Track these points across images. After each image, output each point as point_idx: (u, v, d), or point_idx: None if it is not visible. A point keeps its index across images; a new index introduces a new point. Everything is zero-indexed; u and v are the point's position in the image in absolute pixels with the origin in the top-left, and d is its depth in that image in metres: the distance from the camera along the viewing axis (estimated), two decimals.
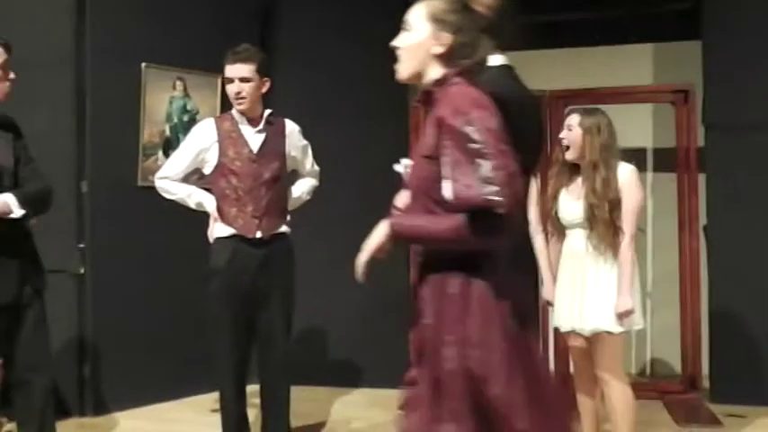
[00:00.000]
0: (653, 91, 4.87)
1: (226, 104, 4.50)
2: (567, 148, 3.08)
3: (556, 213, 3.15)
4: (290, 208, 3.40)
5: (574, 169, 3.12)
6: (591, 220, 3.01)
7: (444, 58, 1.87)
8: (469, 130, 1.70)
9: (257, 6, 5.00)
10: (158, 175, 3.35)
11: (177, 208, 3.92)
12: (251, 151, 3.22)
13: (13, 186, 2.78)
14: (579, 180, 3.08)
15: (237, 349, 3.24)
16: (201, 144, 3.24)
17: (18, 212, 2.73)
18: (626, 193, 3.01)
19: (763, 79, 4.31)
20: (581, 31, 5.47)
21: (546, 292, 3.25)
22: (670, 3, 5.35)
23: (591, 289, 3.05)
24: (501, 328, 1.77)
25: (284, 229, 3.31)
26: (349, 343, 4.93)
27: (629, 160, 3.16)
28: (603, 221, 2.98)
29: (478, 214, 1.68)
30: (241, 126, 3.24)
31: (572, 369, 3.40)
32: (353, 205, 4.85)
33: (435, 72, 1.88)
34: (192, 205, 3.30)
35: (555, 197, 3.16)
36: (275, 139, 3.30)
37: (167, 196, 3.32)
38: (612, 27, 5.45)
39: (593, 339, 3.06)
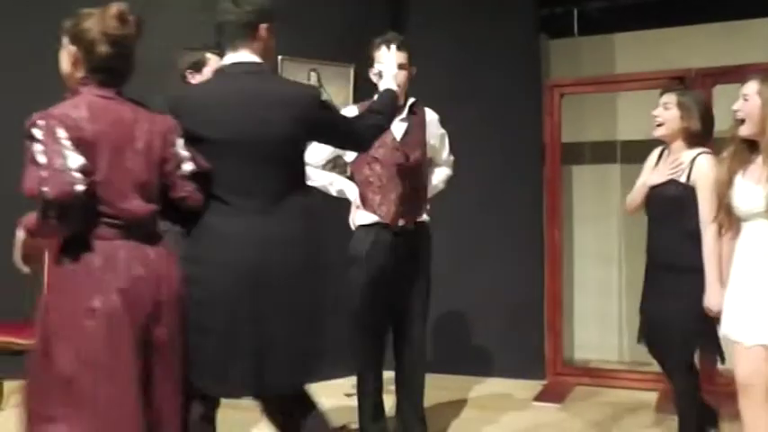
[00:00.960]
0: None
1: (358, 94, 4.60)
2: (743, 121, 2.59)
3: (730, 202, 2.64)
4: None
5: (753, 148, 2.59)
6: None
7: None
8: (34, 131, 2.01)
9: None
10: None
11: (317, 195, 4.01)
12: (394, 139, 3.23)
13: None
14: (759, 160, 2.55)
15: (376, 336, 3.28)
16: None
17: None
18: None
19: None
20: (726, 3, 5.20)
21: (708, 298, 2.84)
22: None
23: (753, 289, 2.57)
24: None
25: (425, 217, 3.32)
26: (483, 332, 4.90)
27: None
28: None
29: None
30: None
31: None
32: (484, 191, 4.83)
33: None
34: (334, 192, 3.34)
35: (729, 182, 2.63)
36: (417, 127, 3.29)
37: (311, 183, 3.38)
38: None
39: None
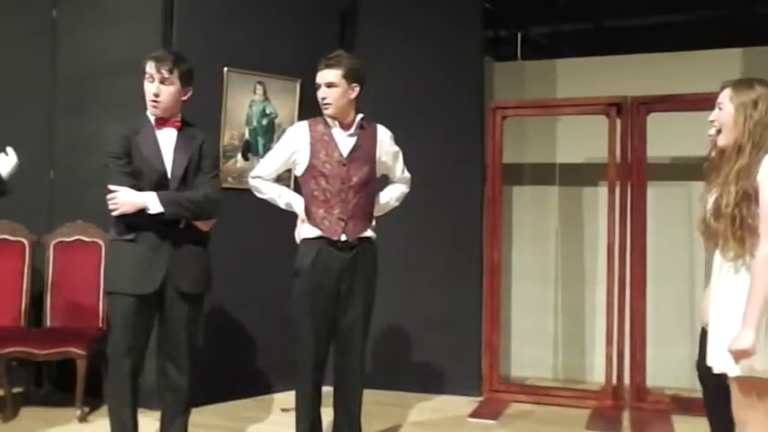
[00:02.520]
0: None
1: (304, 108, 4.61)
2: (719, 132, 2.47)
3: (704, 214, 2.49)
4: (378, 213, 3.42)
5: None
6: (715, 215, 2.36)
7: None
8: None
9: (336, 12, 5.07)
10: (252, 174, 3.43)
11: (260, 208, 4.00)
12: (341, 155, 3.26)
13: (181, 189, 3.10)
14: None
15: (317, 350, 3.27)
16: (295, 146, 3.29)
17: (155, 210, 3.01)
18: (763, 190, 2.29)
19: None
20: (665, 34, 5.45)
21: (701, 313, 2.76)
22: (759, 6, 5.22)
23: (716, 312, 2.42)
24: None
25: (370, 233, 3.33)
26: (422, 349, 4.94)
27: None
28: (727, 217, 2.31)
29: None
30: (333, 130, 3.28)
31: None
32: (425, 210, 4.89)
33: None
34: (282, 205, 3.37)
35: (706, 194, 2.50)
36: (366, 143, 3.32)
37: (259, 195, 3.40)
38: (698, 31, 5.40)
39: (733, 382, 2.39)
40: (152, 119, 3.15)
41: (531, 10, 5.62)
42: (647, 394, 4.63)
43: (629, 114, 4.70)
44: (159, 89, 3.07)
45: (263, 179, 3.37)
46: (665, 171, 5.06)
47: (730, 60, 5.09)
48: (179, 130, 3.16)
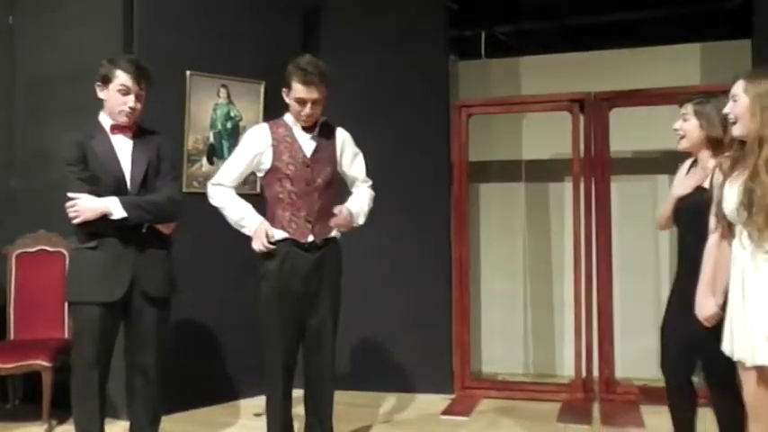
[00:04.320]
0: (702, 91, 4.78)
1: (268, 111, 4.59)
2: (734, 122, 2.49)
3: (720, 206, 2.53)
4: (360, 221, 3.38)
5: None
6: (748, 207, 2.35)
7: None
8: None
9: (299, 13, 5.05)
10: (213, 181, 3.36)
11: (221, 214, 3.95)
12: (305, 156, 3.26)
13: (142, 193, 3.08)
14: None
15: (287, 353, 3.25)
16: (257, 148, 3.26)
17: (118, 214, 2.99)
18: None
19: None
20: (626, 31, 5.52)
21: (698, 306, 2.67)
22: (718, 1, 5.32)
23: (750, 303, 2.39)
24: None
25: (335, 234, 3.33)
26: (393, 348, 4.94)
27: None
28: (765, 208, 2.31)
29: None
30: (295, 132, 3.28)
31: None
32: (393, 208, 4.90)
33: None
34: (232, 220, 3.30)
35: (722, 186, 2.53)
36: (328, 145, 3.33)
37: (213, 203, 3.34)
38: (659, 27, 5.49)
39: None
40: (106, 124, 3.11)
41: (495, 9, 5.65)
42: (615, 386, 4.69)
43: (592, 110, 4.77)
44: (136, 103, 3.08)
45: (224, 187, 3.31)
46: (629, 165, 5.14)
47: (689, 56, 5.19)
48: (134, 134, 3.14)
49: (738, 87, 2.47)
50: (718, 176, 2.71)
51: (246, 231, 3.27)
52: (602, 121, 4.75)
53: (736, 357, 2.45)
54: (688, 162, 3.08)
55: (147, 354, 3.13)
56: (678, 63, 5.15)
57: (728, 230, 2.53)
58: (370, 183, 3.54)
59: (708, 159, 2.91)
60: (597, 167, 4.77)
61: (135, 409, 3.19)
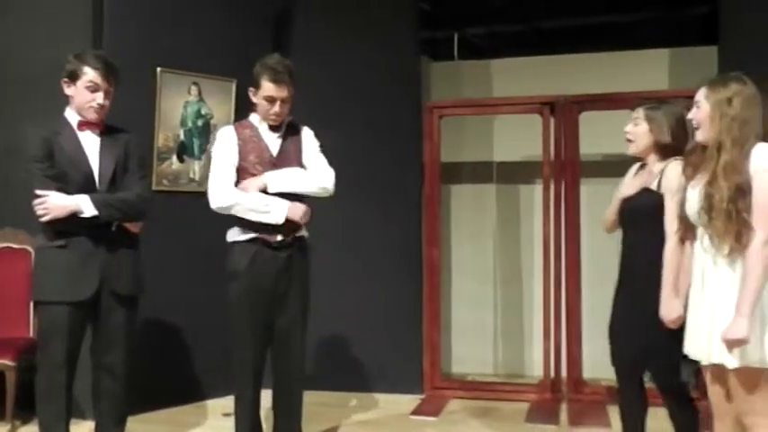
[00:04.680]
0: (670, 96, 4.86)
1: (240, 109, 4.56)
2: (698, 128, 2.53)
3: (682, 209, 2.57)
4: (273, 186, 3.23)
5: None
6: (707, 212, 2.40)
7: None
8: None
9: (271, 12, 5.03)
10: (214, 185, 3.19)
11: (195, 211, 3.92)
12: (272, 155, 3.25)
13: (111, 191, 3.04)
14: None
15: (256, 353, 3.24)
16: (231, 146, 3.24)
17: (89, 213, 2.95)
18: (757, 182, 2.34)
19: None
20: (596, 35, 5.58)
21: (663, 309, 2.71)
22: (687, 8, 5.41)
23: (711, 306, 2.43)
24: None
25: (303, 232, 3.32)
26: (363, 348, 4.94)
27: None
28: (723, 213, 2.35)
29: None
30: (261, 131, 3.28)
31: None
32: (364, 209, 4.90)
33: None
34: (255, 213, 3.18)
35: (684, 189, 2.57)
36: (293, 143, 3.33)
37: (226, 202, 3.17)
38: (628, 32, 5.56)
39: (731, 374, 2.40)
40: (73, 120, 3.07)
41: (468, 11, 5.68)
42: (583, 386, 4.74)
43: (563, 113, 4.81)
44: (105, 100, 3.05)
45: (228, 186, 3.18)
46: (598, 168, 5.19)
47: (658, 61, 5.27)
48: (102, 131, 3.10)
49: (700, 94, 2.51)
50: (667, 180, 2.79)
51: (272, 217, 3.16)
52: (572, 124, 4.80)
53: (694, 357, 2.51)
54: (636, 165, 3.12)
55: (115, 353, 3.09)
56: (647, 68, 5.22)
57: (691, 233, 2.56)
58: (328, 174, 3.38)
59: (654, 163, 2.95)
60: (567, 170, 4.81)
61: (101, 409, 3.15)
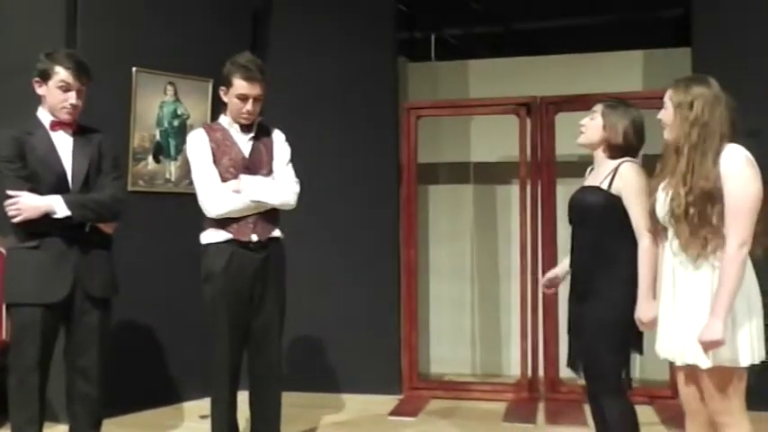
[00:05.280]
0: (645, 97, 4.92)
1: (216, 109, 4.52)
2: (664, 128, 2.55)
3: (653, 209, 2.57)
4: (251, 193, 3.23)
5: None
6: (674, 216, 2.41)
7: None
8: None
9: (248, 12, 5.01)
10: (206, 187, 3.17)
11: (170, 212, 3.89)
12: (244, 157, 3.24)
13: (84, 192, 3.00)
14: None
15: (233, 354, 3.22)
16: (207, 149, 3.22)
17: (62, 213, 2.91)
18: (729, 186, 2.33)
19: (752, 87, 4.34)
20: (572, 37, 5.63)
21: (639, 309, 2.70)
22: (660, 10, 5.47)
23: (683, 307, 2.45)
24: None
25: (278, 233, 3.31)
26: (340, 349, 4.94)
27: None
28: (683, 218, 2.37)
29: None
30: (232, 133, 3.26)
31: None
32: (342, 210, 4.90)
33: None
34: (259, 199, 3.20)
35: (655, 189, 2.56)
36: (265, 145, 3.32)
37: (226, 197, 3.15)
38: (603, 33, 5.62)
39: (703, 374, 2.42)
40: (45, 120, 3.03)
41: (445, 11, 5.70)
42: (560, 385, 4.77)
43: (539, 114, 4.84)
44: (77, 100, 3.01)
45: (219, 184, 3.17)
46: (574, 169, 5.21)
47: (633, 62, 5.32)
48: (75, 131, 3.07)
49: (666, 96, 2.53)
50: (623, 181, 2.75)
51: (272, 197, 3.20)
52: (548, 125, 4.83)
53: (664, 357, 2.52)
54: (590, 168, 3.10)
55: (89, 356, 3.06)
56: (622, 69, 5.27)
57: (662, 234, 2.57)
58: (290, 182, 3.35)
59: (603, 161, 2.92)
60: (543, 170, 4.84)
61: (75, 412, 3.11)
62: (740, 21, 4.46)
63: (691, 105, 2.42)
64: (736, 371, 2.37)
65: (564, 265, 3.09)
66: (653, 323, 2.65)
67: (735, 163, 2.35)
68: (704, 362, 2.36)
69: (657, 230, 2.59)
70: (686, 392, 2.55)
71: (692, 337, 2.37)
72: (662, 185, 2.53)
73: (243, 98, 3.18)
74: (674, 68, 4.72)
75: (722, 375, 2.37)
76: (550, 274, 3.18)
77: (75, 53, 3.14)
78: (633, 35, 5.56)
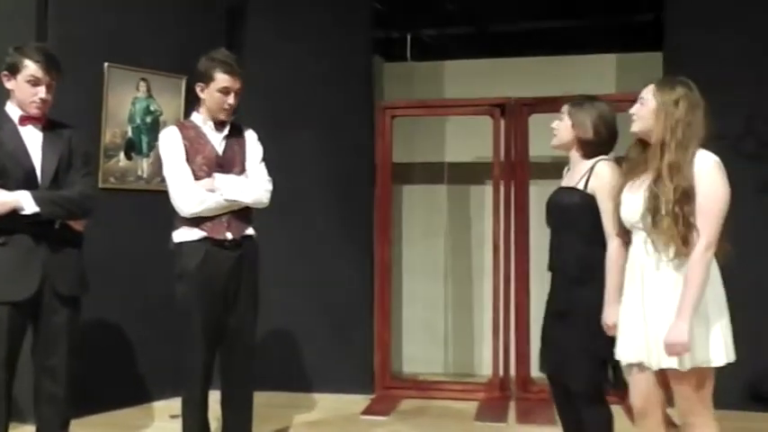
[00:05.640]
0: (618, 100, 4.98)
1: (190, 106, 4.49)
2: (635, 121, 2.54)
3: (618, 211, 2.56)
4: (228, 192, 3.21)
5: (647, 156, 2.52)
6: (653, 213, 2.39)
7: None
8: None
9: (223, 9, 4.97)
10: (180, 185, 3.14)
11: (141, 209, 3.83)
12: (218, 156, 3.23)
13: (53, 188, 2.95)
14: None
15: (206, 354, 3.20)
16: (181, 147, 3.19)
17: (30, 210, 2.85)
18: (701, 187, 2.36)
19: (721, 93, 4.40)
20: (547, 39, 5.67)
21: (606, 313, 2.68)
22: (633, 15, 5.54)
23: (654, 310, 2.43)
24: None
25: (252, 231, 3.30)
26: (313, 348, 4.93)
27: None
28: (670, 215, 2.35)
29: None
30: (206, 131, 3.24)
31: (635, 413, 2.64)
32: (316, 208, 4.89)
33: None
34: (232, 198, 3.19)
35: (620, 190, 2.56)
36: (238, 144, 3.30)
37: (201, 195, 3.13)
38: (578, 37, 5.67)
39: (670, 376, 2.43)
40: (14, 115, 2.99)
41: (421, 12, 5.71)
42: (531, 385, 4.81)
43: (513, 115, 4.87)
44: (47, 94, 2.96)
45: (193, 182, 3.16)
46: (548, 170, 5.26)
47: (605, 65, 5.38)
48: (44, 126, 3.02)
49: (647, 91, 2.52)
50: (597, 180, 2.73)
51: (245, 196, 3.20)
52: (522, 126, 4.86)
53: (626, 361, 2.50)
54: (566, 168, 3.09)
55: (57, 355, 3.01)
56: (595, 72, 5.32)
57: (626, 236, 2.56)
58: (263, 181, 3.33)
59: (579, 160, 2.92)
60: (517, 171, 4.88)
61: (42, 412, 3.06)
62: (711, 26, 4.52)
63: (676, 103, 2.43)
64: (710, 371, 2.40)
65: None
66: (614, 328, 2.64)
67: (707, 166, 2.38)
68: (682, 364, 2.35)
69: (623, 234, 2.58)
70: (643, 395, 2.53)
71: (664, 340, 2.37)
72: (628, 185, 2.52)
73: (225, 92, 3.17)
74: (645, 72, 4.78)
75: (697, 377, 2.39)
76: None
77: (44, 47, 3.09)
78: (606, 39, 5.61)
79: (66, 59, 3.10)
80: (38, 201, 2.88)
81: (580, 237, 2.79)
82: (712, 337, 2.37)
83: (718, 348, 2.37)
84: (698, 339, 2.34)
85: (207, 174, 3.18)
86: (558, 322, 2.86)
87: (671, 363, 2.38)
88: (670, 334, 2.33)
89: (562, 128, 2.93)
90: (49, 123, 3.04)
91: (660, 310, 2.41)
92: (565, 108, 2.95)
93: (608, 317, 2.68)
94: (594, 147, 2.86)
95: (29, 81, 2.94)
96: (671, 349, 2.34)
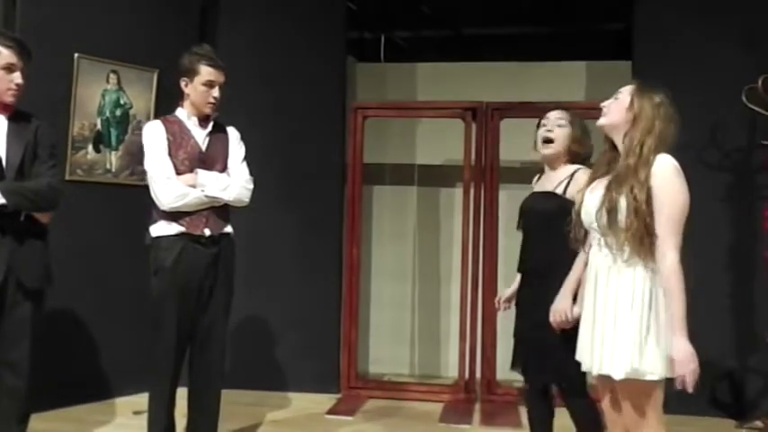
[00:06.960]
0: (586, 107, 5.05)
1: (161, 100, 4.46)
2: (605, 114, 2.47)
3: (579, 213, 2.49)
4: (208, 188, 3.21)
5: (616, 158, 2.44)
6: (608, 212, 2.32)
7: None
8: None
9: (196, 5, 4.94)
10: (159, 179, 3.11)
11: (109, 203, 3.78)
12: (201, 152, 3.21)
13: (18, 179, 2.89)
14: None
15: (178, 350, 3.17)
16: (163, 141, 3.17)
17: None
18: (661, 193, 2.28)
19: (689, 102, 4.49)
20: (519, 45, 5.73)
21: (552, 309, 2.73)
22: (603, 23, 5.62)
23: (601, 313, 2.37)
24: None
25: (229, 229, 3.28)
26: (280, 347, 4.91)
27: None
28: (625, 214, 2.28)
29: None
30: (189, 126, 3.23)
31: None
32: (285, 207, 4.88)
33: None
34: (215, 195, 3.19)
35: (583, 191, 2.50)
36: (221, 141, 3.30)
37: (181, 189, 3.10)
38: (549, 43, 5.74)
39: (618, 386, 2.35)
40: None
41: (395, 13, 5.73)
42: (496, 387, 4.85)
43: (484, 119, 4.92)
44: (22, 80, 2.93)
45: (174, 176, 3.13)
46: (517, 174, 5.31)
47: (575, 73, 5.45)
48: (10, 116, 2.97)
49: (626, 90, 2.45)
50: (578, 186, 2.68)
51: (227, 194, 3.19)
52: (493, 131, 4.91)
53: (586, 368, 2.44)
54: (537, 176, 3.15)
55: (20, 349, 2.95)
56: (565, 79, 5.39)
57: (585, 238, 2.50)
58: (245, 180, 3.34)
59: (560, 166, 2.96)
60: (487, 175, 4.92)
61: (2, 405, 3.00)
62: (679, 36, 4.61)
63: (657, 108, 2.38)
64: (649, 384, 2.28)
65: (516, 283, 3.10)
66: (563, 324, 2.69)
67: (666, 170, 2.30)
68: (617, 373, 2.28)
69: (583, 236, 2.51)
70: (605, 402, 2.50)
71: (608, 346, 2.31)
72: (590, 187, 2.47)
73: (210, 85, 3.18)
74: (614, 80, 4.85)
75: (636, 388, 2.30)
76: (507, 293, 3.15)
77: (10, 33, 3.04)
78: (577, 46, 5.69)
79: (35, 48, 3.05)
80: (3, 192, 2.83)
81: (554, 240, 2.73)
82: (651, 350, 2.26)
83: (657, 361, 2.25)
84: (635, 351, 2.26)
85: (188, 169, 3.16)
86: (531, 322, 2.89)
87: (608, 369, 2.31)
88: (674, 353, 2.22)
89: (562, 135, 2.96)
90: (14, 113, 2.99)
91: (610, 311, 2.34)
92: (564, 115, 2.99)
93: (554, 312, 2.72)
94: (578, 157, 2.96)
95: (4, 68, 2.89)
96: (682, 367, 2.20)
